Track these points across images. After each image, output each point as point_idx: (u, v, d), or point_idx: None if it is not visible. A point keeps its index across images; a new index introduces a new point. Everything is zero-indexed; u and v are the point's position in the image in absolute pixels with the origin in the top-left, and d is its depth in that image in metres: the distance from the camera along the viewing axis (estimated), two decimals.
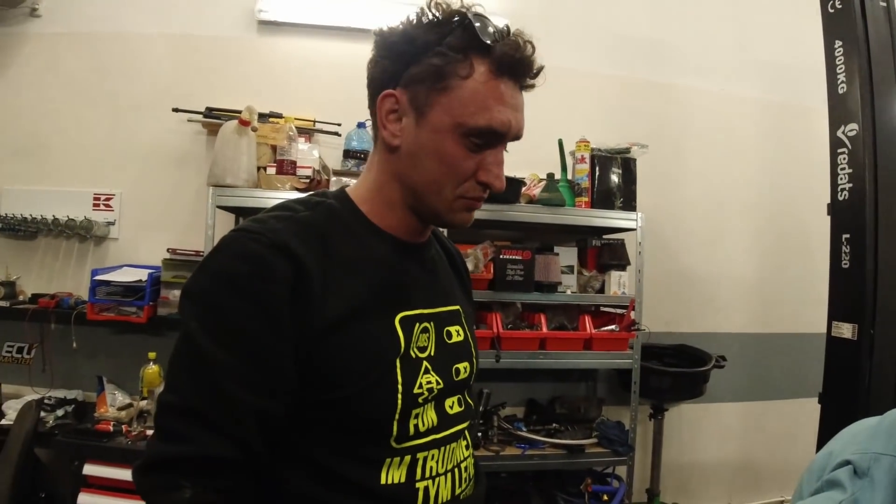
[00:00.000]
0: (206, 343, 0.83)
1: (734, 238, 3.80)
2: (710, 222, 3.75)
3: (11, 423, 2.60)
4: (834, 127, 2.53)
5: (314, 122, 3.12)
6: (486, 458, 2.70)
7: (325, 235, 0.93)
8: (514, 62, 0.91)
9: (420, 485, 0.94)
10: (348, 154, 3.01)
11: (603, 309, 3.14)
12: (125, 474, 2.40)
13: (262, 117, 2.88)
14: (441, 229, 1.27)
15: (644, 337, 2.98)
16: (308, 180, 2.68)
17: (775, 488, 3.82)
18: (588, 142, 2.99)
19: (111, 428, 2.52)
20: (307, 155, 2.88)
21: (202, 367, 0.83)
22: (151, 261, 2.92)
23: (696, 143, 3.75)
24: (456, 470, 1.01)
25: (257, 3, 3.14)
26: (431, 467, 0.96)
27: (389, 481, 0.91)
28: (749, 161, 3.84)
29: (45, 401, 2.76)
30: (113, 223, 3.06)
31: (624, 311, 2.90)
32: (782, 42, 3.81)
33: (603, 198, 2.97)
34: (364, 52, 1.00)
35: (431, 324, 1.02)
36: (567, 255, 3.01)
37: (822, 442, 2.34)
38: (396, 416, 0.91)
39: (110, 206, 3.06)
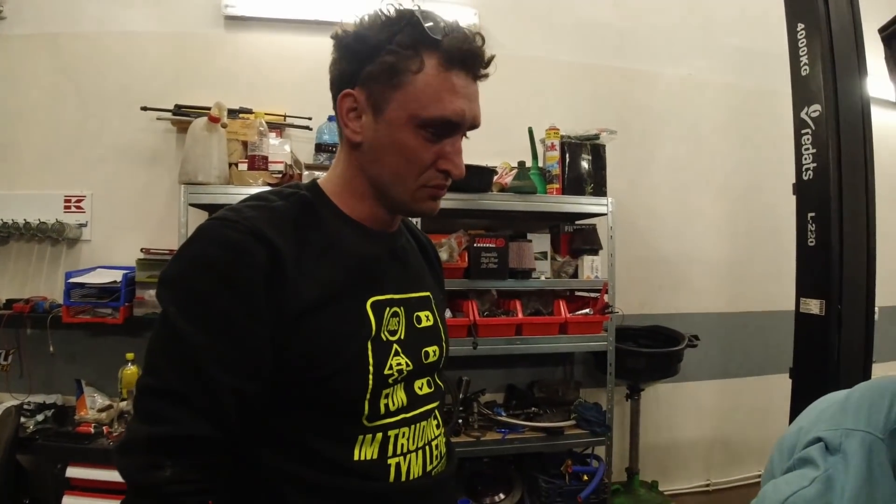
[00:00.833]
0: (183, 326, 0.85)
1: (704, 220, 3.86)
2: (679, 205, 3.80)
3: None
4: (798, 108, 2.56)
5: (285, 116, 3.11)
6: (467, 444, 2.75)
7: (298, 224, 0.95)
8: (462, 53, 0.94)
9: (392, 461, 0.98)
10: (320, 148, 3.01)
11: (577, 293, 3.19)
12: (108, 475, 2.41)
13: (232, 113, 2.88)
14: (412, 219, 1.30)
15: (618, 319, 3.03)
16: (280, 175, 2.67)
17: (752, 463, 3.91)
18: (558, 129, 3.02)
19: (92, 430, 2.52)
20: (279, 150, 2.88)
21: (180, 348, 0.85)
22: (125, 261, 2.90)
23: (664, 128, 3.80)
24: (427, 447, 1.05)
25: None
26: (402, 444, 1.00)
27: (362, 457, 0.95)
28: (717, 144, 3.90)
29: (25, 406, 2.76)
30: (85, 225, 3.03)
31: (597, 294, 2.95)
32: (748, 27, 3.85)
33: (574, 184, 3.00)
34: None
35: (402, 308, 1.05)
36: (540, 242, 3.04)
37: (794, 415, 2.35)
38: (368, 396, 0.95)
39: (82, 208, 3.03)
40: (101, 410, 2.61)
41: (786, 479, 0.79)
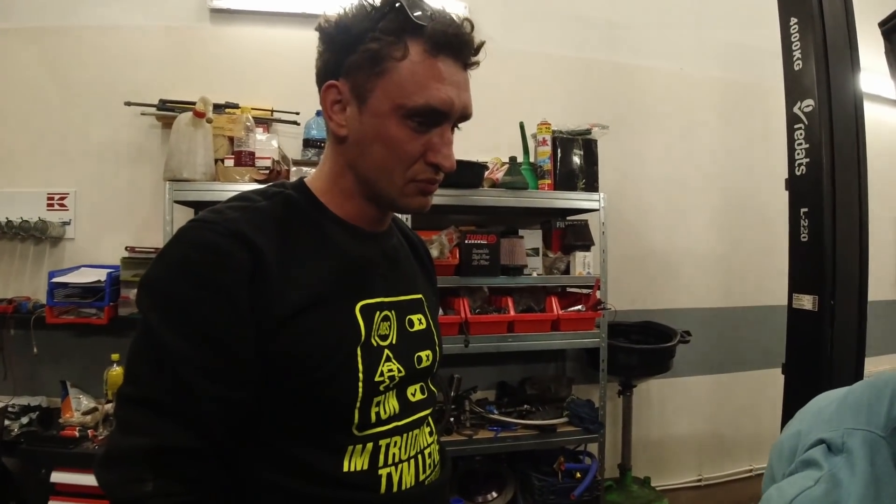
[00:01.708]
0: (164, 333, 0.82)
1: (696, 215, 3.85)
2: (671, 200, 3.79)
3: None
4: (790, 103, 2.57)
5: (272, 111, 3.06)
6: (459, 443, 2.72)
7: (282, 225, 0.92)
8: (449, 39, 0.90)
9: (383, 471, 0.94)
10: (308, 143, 2.97)
11: (569, 290, 3.18)
12: (93, 481, 2.35)
13: (218, 108, 2.82)
14: (403, 217, 1.27)
15: (610, 315, 3.01)
16: (268, 171, 2.63)
17: (744, 458, 3.93)
18: (549, 124, 2.99)
19: (77, 433, 2.48)
20: (266, 145, 2.84)
21: (161, 356, 0.82)
22: (110, 260, 2.85)
23: (656, 123, 3.78)
24: (419, 456, 1.01)
25: None
26: (394, 454, 0.96)
27: (352, 468, 0.91)
28: (709, 139, 3.89)
29: (9, 409, 2.70)
30: (68, 223, 2.97)
31: (589, 290, 2.93)
32: (741, 22, 3.84)
33: (565, 179, 2.98)
34: None
35: (393, 312, 1.02)
36: (532, 238, 3.03)
37: (786, 411, 2.39)
38: (358, 404, 0.91)
39: (65, 206, 2.97)
40: (86, 413, 2.57)
41: (790, 482, 0.76)
